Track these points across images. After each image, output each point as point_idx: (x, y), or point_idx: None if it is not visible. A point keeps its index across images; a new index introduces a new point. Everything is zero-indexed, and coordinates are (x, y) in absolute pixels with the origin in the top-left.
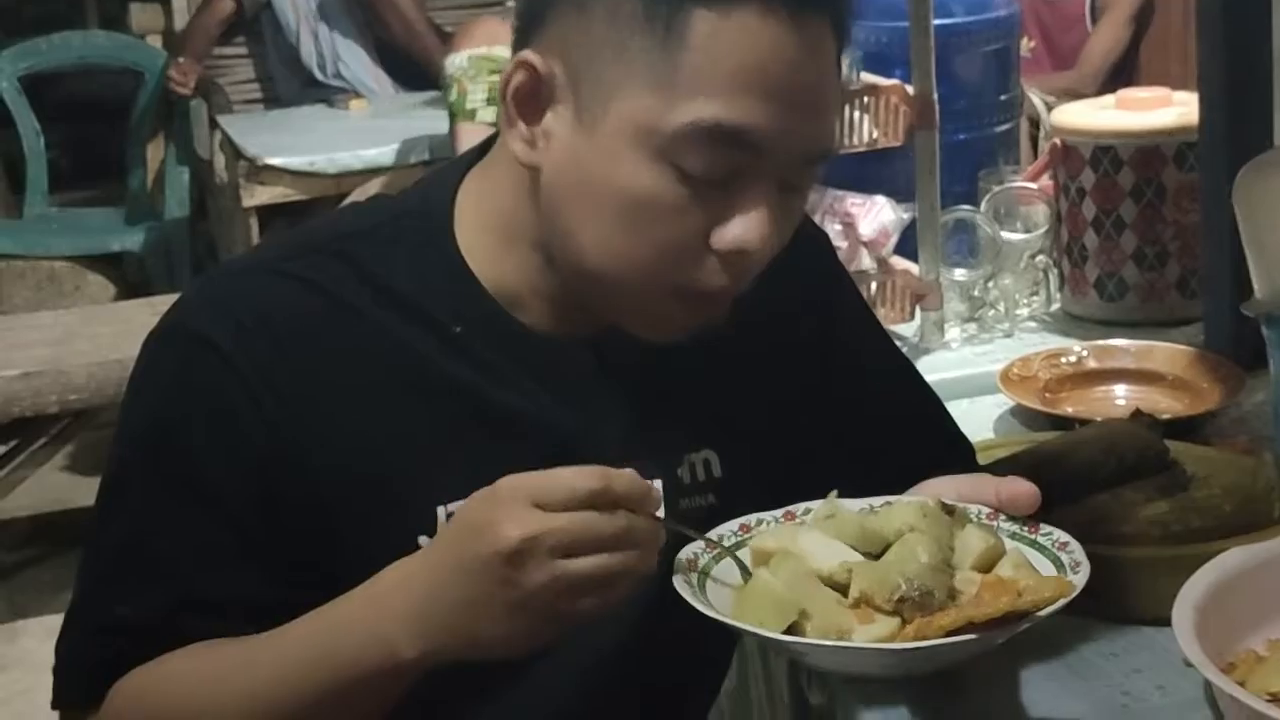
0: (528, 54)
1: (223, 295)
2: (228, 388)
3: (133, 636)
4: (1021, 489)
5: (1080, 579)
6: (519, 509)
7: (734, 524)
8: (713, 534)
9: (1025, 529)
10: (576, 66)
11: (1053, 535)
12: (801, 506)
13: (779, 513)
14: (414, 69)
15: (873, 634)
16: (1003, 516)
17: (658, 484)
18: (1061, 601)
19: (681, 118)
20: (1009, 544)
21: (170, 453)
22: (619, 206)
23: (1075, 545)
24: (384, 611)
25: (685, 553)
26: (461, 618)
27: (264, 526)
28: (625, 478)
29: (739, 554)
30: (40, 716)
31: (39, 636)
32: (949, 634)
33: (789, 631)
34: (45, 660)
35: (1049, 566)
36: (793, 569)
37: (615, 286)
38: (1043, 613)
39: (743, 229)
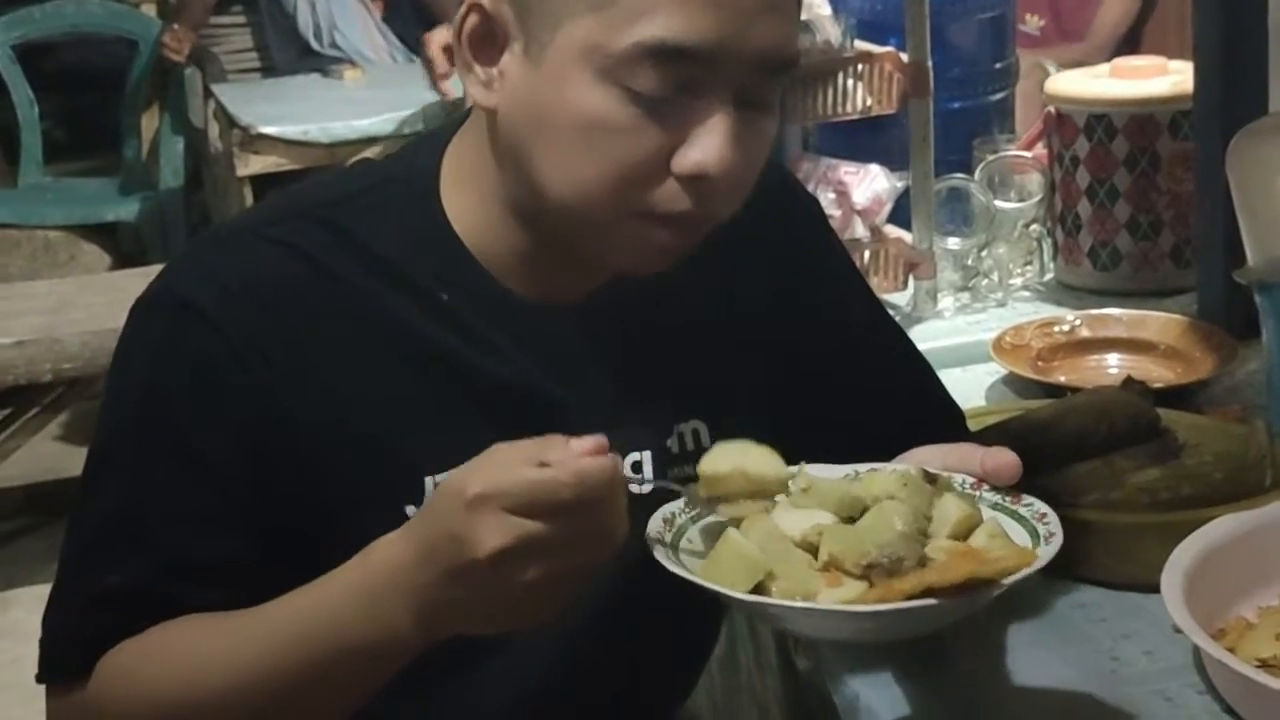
0: None
1: (209, 261)
2: (215, 353)
3: (120, 607)
4: (1004, 460)
5: (1049, 551)
6: (493, 518)
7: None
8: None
9: (1007, 499)
10: (522, 1)
11: (1033, 506)
12: (793, 469)
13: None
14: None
15: (838, 597)
16: (986, 486)
17: (639, 456)
18: (1024, 572)
19: (626, 39)
20: (988, 514)
21: (157, 419)
22: (573, 131)
23: (1053, 517)
24: (381, 602)
25: (663, 512)
26: (452, 610)
27: (252, 492)
28: (599, 472)
29: (717, 517)
30: (31, 686)
31: (30, 606)
32: (910, 599)
33: (755, 592)
34: (36, 630)
35: (1025, 537)
36: (766, 531)
37: (581, 218)
38: (1006, 582)
39: (700, 152)
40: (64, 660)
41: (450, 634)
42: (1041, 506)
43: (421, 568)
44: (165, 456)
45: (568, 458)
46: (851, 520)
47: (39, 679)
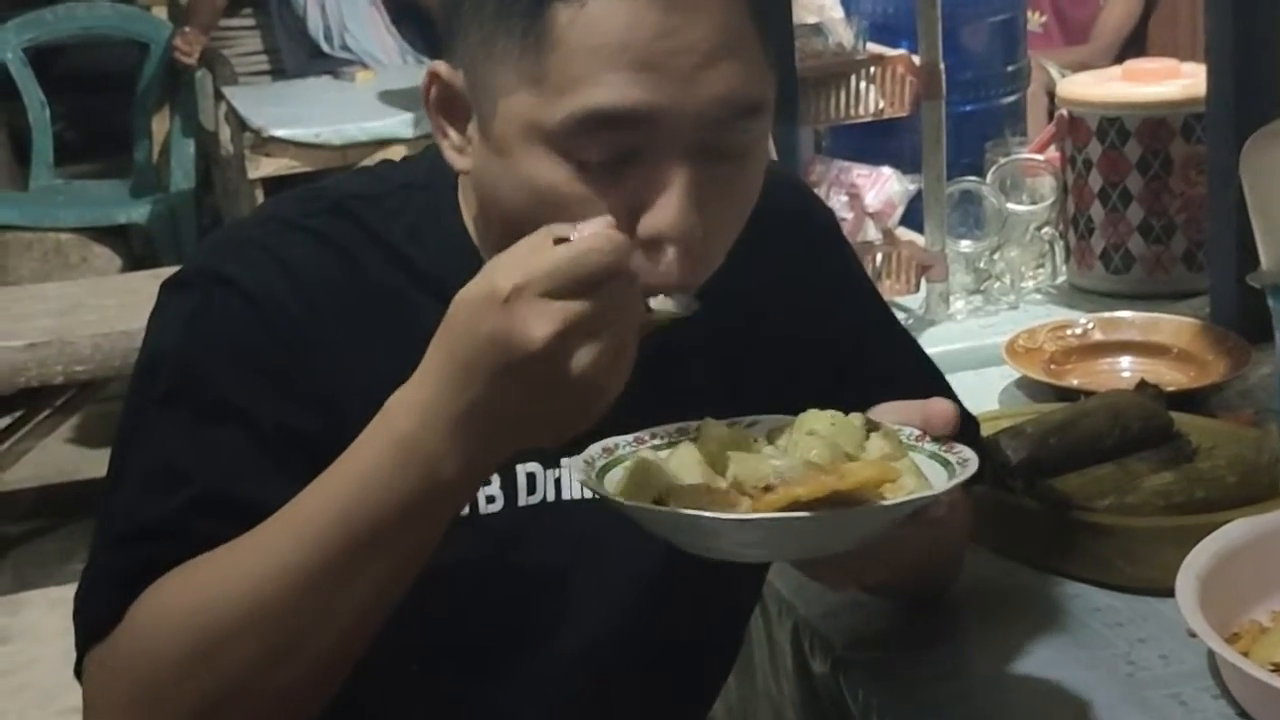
0: (436, 64)
1: (238, 244)
2: (248, 321)
3: (156, 541)
4: (938, 409)
5: (951, 482)
6: (538, 305)
7: (671, 427)
8: (646, 432)
9: (942, 448)
10: (470, 71)
11: (961, 453)
12: (747, 419)
13: (722, 423)
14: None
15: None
16: (929, 438)
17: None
18: (913, 497)
19: (559, 111)
20: (917, 458)
21: (191, 379)
22: (529, 204)
23: (973, 462)
24: (419, 445)
25: (607, 441)
26: (500, 425)
27: (284, 446)
28: (620, 240)
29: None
30: (45, 687)
31: (43, 608)
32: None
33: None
34: (50, 632)
35: (944, 479)
36: (684, 457)
37: None
38: (888, 503)
39: (656, 216)
40: (100, 611)
41: (498, 459)
42: (967, 453)
43: (459, 392)
44: (201, 415)
45: (586, 230)
46: None
47: (80, 649)
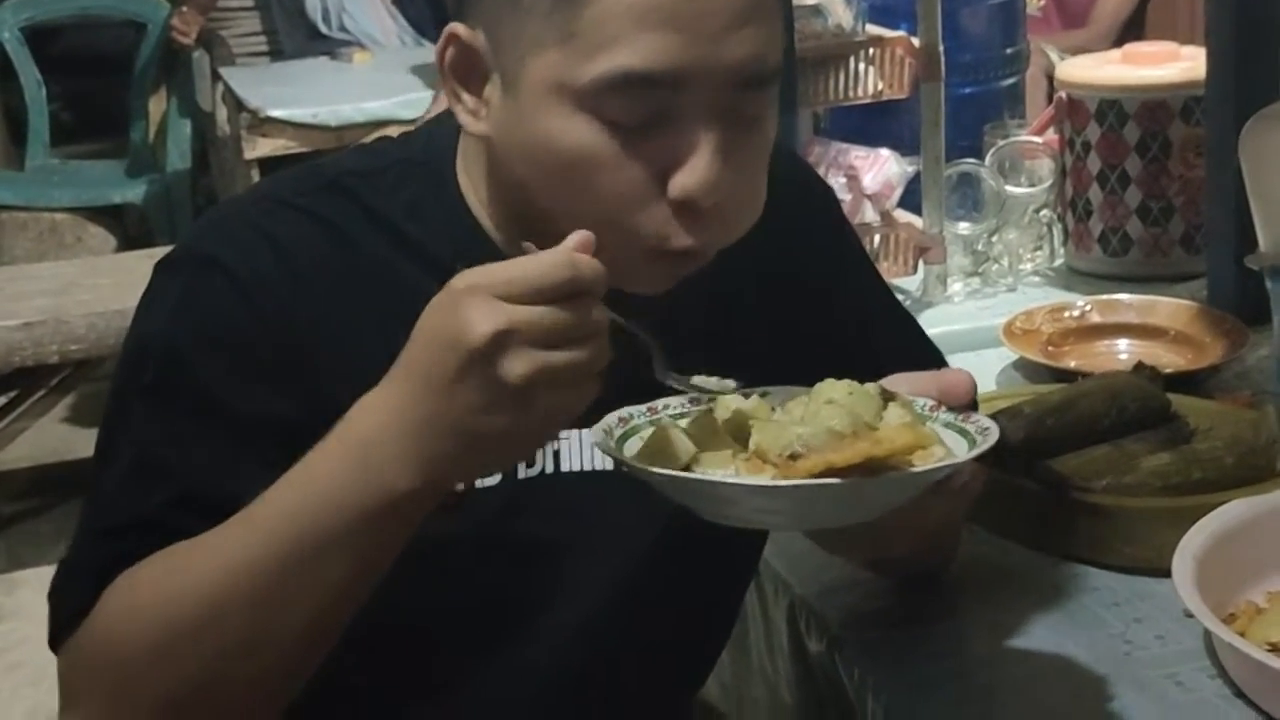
0: (454, 25)
1: (232, 224)
2: (235, 308)
3: (133, 536)
4: (954, 377)
5: (974, 451)
6: (485, 304)
7: (685, 397)
8: (659, 402)
9: (958, 418)
10: (494, 31)
11: (979, 421)
12: (759, 390)
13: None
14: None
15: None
16: (944, 408)
17: None
18: (944, 463)
19: (590, 71)
20: (934, 427)
21: (177, 368)
22: (558, 165)
23: (993, 432)
24: (373, 452)
25: (622, 411)
26: (452, 436)
27: (269, 440)
28: (590, 264)
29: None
30: (38, 665)
31: (37, 587)
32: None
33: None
34: (44, 611)
35: (964, 448)
36: (704, 424)
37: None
38: (919, 469)
39: (687, 177)
40: (73, 601)
41: (451, 472)
42: (986, 421)
43: (415, 401)
44: (185, 407)
45: (557, 249)
46: None
47: (52, 636)
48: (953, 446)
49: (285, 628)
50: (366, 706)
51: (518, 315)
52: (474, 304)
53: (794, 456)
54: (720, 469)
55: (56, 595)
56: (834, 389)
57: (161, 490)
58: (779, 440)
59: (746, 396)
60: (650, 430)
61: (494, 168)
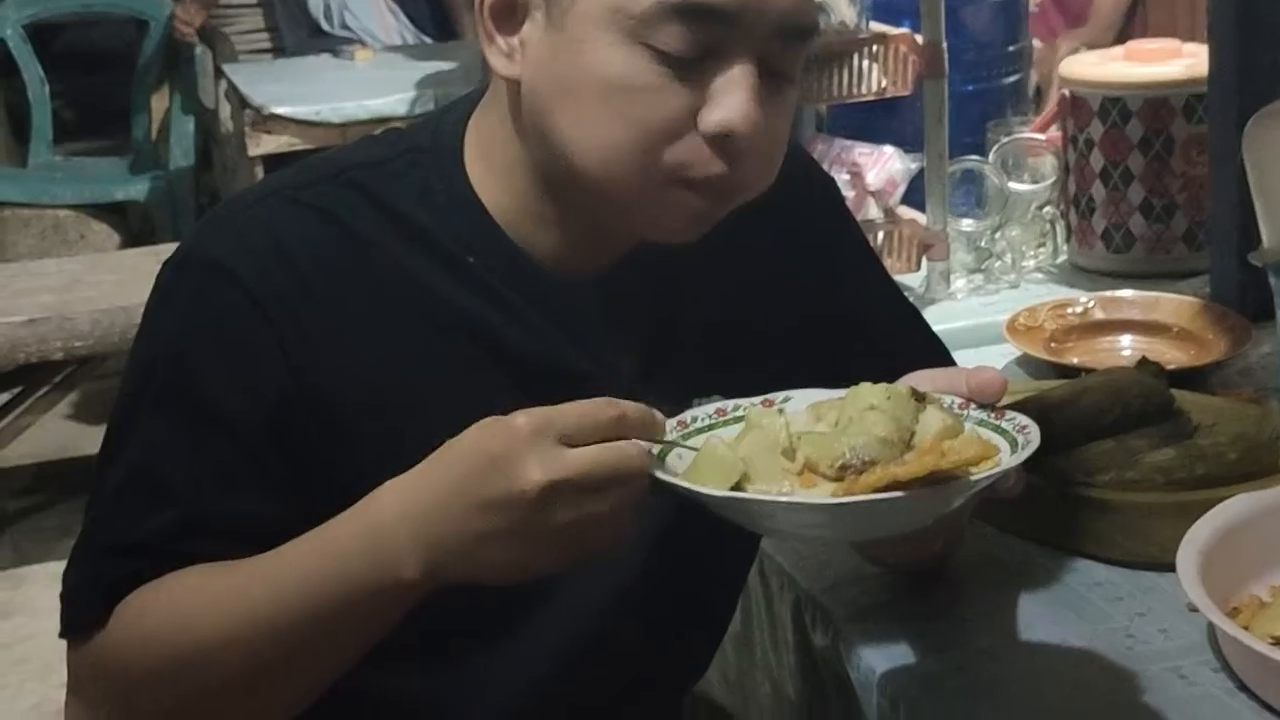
0: None
1: (238, 223)
2: (242, 313)
3: (139, 559)
4: (988, 376)
5: (1023, 453)
6: (543, 447)
7: (710, 408)
8: (687, 414)
9: (991, 415)
10: None
11: (1016, 420)
12: (781, 395)
13: (756, 399)
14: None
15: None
16: (974, 405)
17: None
18: (992, 471)
19: None
20: (970, 427)
21: (183, 378)
22: (597, 95)
23: (1033, 429)
24: (386, 537)
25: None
26: (472, 546)
27: (275, 451)
28: (637, 409)
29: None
30: (45, 660)
31: (43, 583)
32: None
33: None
34: (49, 606)
35: (1006, 448)
36: (753, 440)
37: (609, 184)
38: (975, 478)
39: (725, 109)
40: (83, 611)
41: (457, 577)
42: (1024, 419)
43: (442, 507)
44: (189, 415)
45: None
46: None
47: (62, 633)
48: (990, 441)
49: (283, 677)
50: (366, 701)
51: (573, 464)
52: (533, 445)
53: (845, 468)
54: (773, 484)
55: (68, 600)
56: (872, 394)
57: (167, 511)
58: (829, 452)
59: (771, 404)
60: (682, 448)
61: (505, 143)
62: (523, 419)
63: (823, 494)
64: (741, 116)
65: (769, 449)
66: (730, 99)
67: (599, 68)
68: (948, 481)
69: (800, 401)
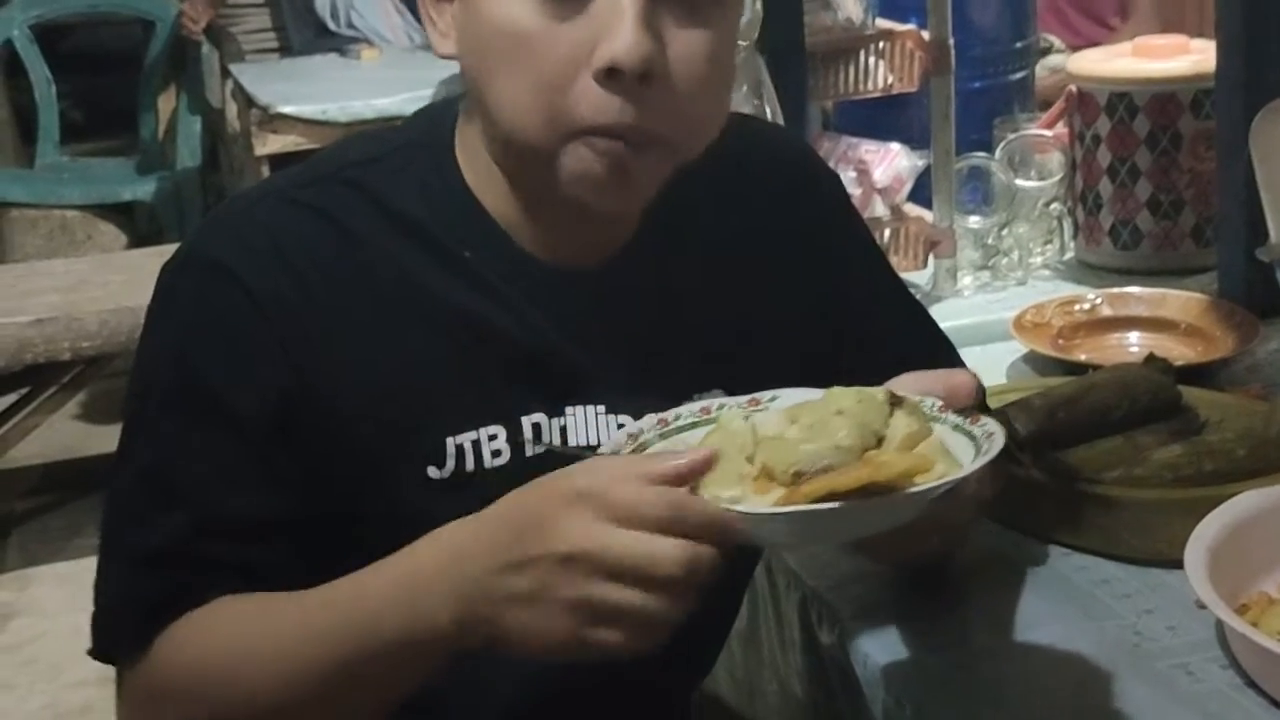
0: None
1: (236, 224)
2: (243, 311)
3: (164, 567)
4: (959, 380)
5: (975, 462)
6: (588, 516)
7: (695, 406)
8: (670, 412)
9: (966, 420)
10: None
11: (985, 425)
12: (769, 394)
13: (743, 399)
14: None
15: (760, 504)
16: (951, 409)
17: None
18: (945, 480)
19: None
20: (944, 432)
21: (190, 379)
22: (498, 49)
23: (999, 436)
24: (418, 583)
25: (631, 428)
26: (497, 609)
27: (282, 448)
28: (702, 512)
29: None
30: (53, 661)
31: (50, 584)
32: (814, 502)
33: None
34: (57, 607)
35: (970, 453)
36: (717, 443)
37: (524, 143)
38: (915, 490)
39: (609, 42)
40: (121, 630)
41: (483, 640)
42: (992, 426)
43: (482, 555)
44: (197, 417)
45: (672, 490)
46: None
47: (93, 652)
48: (958, 451)
49: (318, 712)
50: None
51: (605, 541)
52: (578, 511)
53: (800, 475)
54: (728, 489)
55: (101, 620)
56: (843, 398)
57: (182, 514)
58: (785, 458)
59: (758, 403)
60: (660, 446)
61: (478, 131)
62: (581, 481)
63: (770, 501)
64: (626, 48)
65: (731, 453)
66: (613, 29)
67: (494, 21)
68: (888, 493)
69: (786, 401)
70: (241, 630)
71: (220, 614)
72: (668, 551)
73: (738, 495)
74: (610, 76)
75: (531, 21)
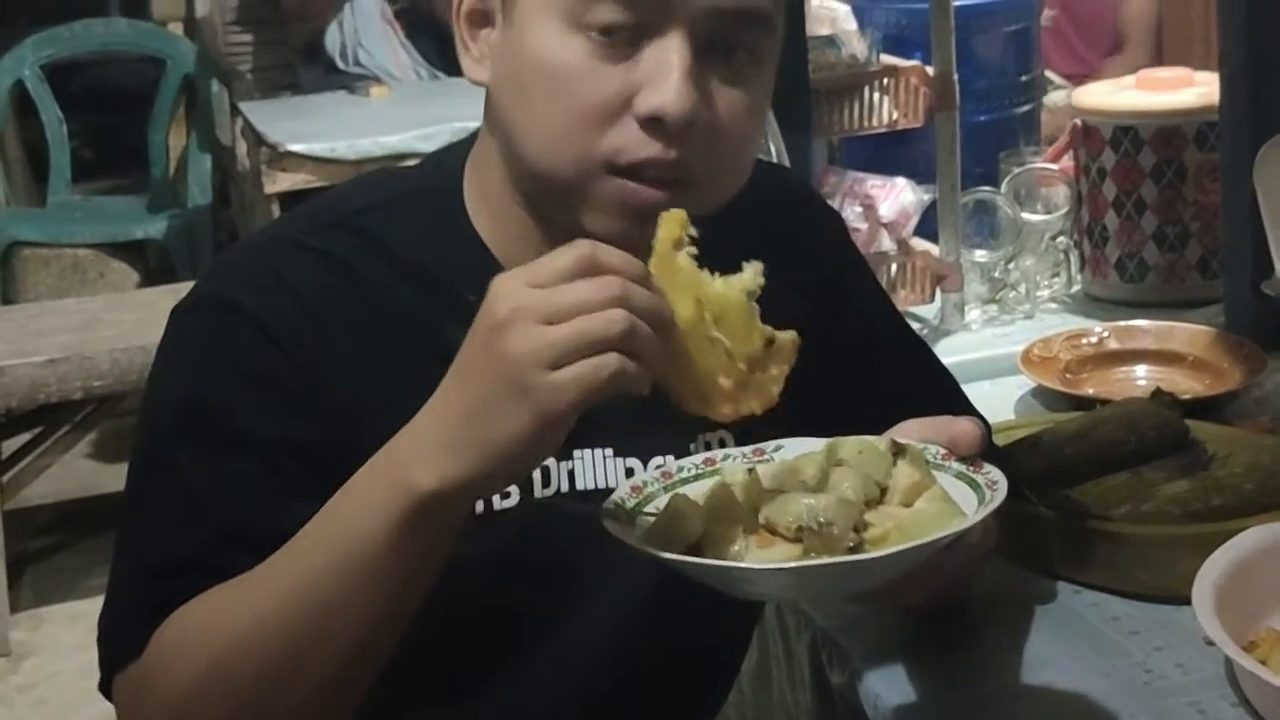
0: None
1: (247, 265)
2: (257, 345)
3: (175, 579)
4: (962, 429)
5: (979, 512)
6: (512, 288)
7: (699, 458)
8: (673, 465)
9: (969, 468)
10: None
11: (989, 474)
12: (773, 444)
13: (748, 449)
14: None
15: (763, 559)
16: (955, 457)
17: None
18: (940, 535)
19: None
20: (949, 481)
21: (207, 417)
22: (538, 81)
23: (1002, 487)
24: (393, 457)
25: (635, 479)
26: (465, 425)
27: (298, 470)
28: (615, 252)
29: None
30: (65, 701)
31: (62, 623)
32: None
33: (689, 554)
34: (69, 646)
35: (974, 503)
36: (719, 498)
37: (555, 177)
38: (916, 544)
39: (657, 91)
40: (123, 644)
41: (470, 476)
42: (995, 475)
43: (440, 396)
44: (217, 446)
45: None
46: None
47: (102, 685)
48: (961, 500)
49: (322, 653)
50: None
51: (532, 294)
52: (502, 289)
53: (802, 529)
54: (731, 544)
55: (106, 638)
56: (845, 448)
57: (200, 530)
58: (788, 512)
59: (762, 453)
60: (664, 498)
61: (492, 168)
62: (497, 308)
63: (777, 555)
64: (674, 98)
65: (733, 508)
66: (661, 80)
67: (538, 54)
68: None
69: (790, 451)
70: (230, 587)
71: (217, 589)
72: (593, 283)
73: (740, 550)
74: (653, 123)
75: (578, 60)
